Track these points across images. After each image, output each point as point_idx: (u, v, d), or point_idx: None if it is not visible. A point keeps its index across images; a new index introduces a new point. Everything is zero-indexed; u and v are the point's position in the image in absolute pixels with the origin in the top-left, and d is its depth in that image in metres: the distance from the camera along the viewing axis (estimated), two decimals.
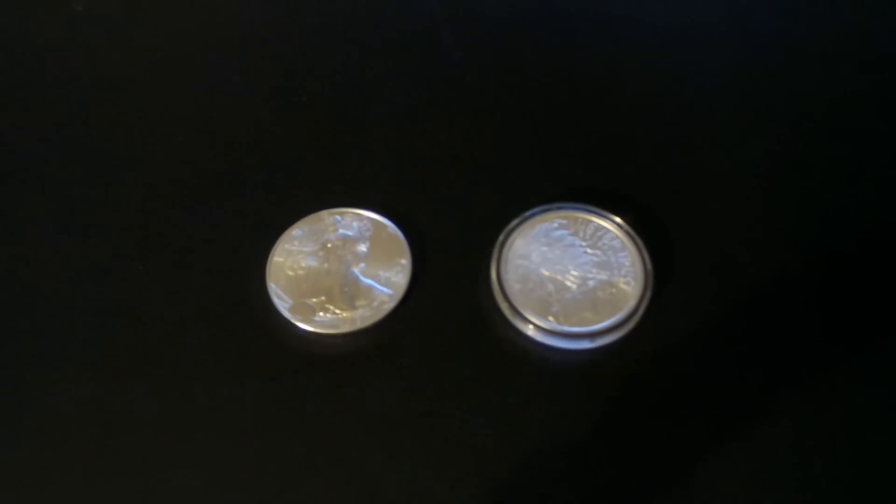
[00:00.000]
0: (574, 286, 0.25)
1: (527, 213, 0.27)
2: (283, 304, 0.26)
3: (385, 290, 0.26)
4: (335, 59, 0.32)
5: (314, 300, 0.26)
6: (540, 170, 0.29)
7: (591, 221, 0.26)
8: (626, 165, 0.29)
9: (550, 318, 0.25)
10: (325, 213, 0.27)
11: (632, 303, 0.25)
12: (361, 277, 0.26)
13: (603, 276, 0.25)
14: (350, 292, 0.26)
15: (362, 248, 0.27)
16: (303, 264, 0.26)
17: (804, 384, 0.24)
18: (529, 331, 0.25)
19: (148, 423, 0.24)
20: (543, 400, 0.24)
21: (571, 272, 0.26)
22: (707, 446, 0.23)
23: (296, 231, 0.27)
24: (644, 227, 0.26)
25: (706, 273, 0.26)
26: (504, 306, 0.25)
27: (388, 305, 0.26)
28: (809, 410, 0.24)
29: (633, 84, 0.31)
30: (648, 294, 0.25)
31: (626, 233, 0.26)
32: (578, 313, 0.25)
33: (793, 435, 0.23)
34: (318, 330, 0.25)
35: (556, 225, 0.26)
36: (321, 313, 0.25)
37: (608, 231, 0.26)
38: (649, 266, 0.25)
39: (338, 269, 0.26)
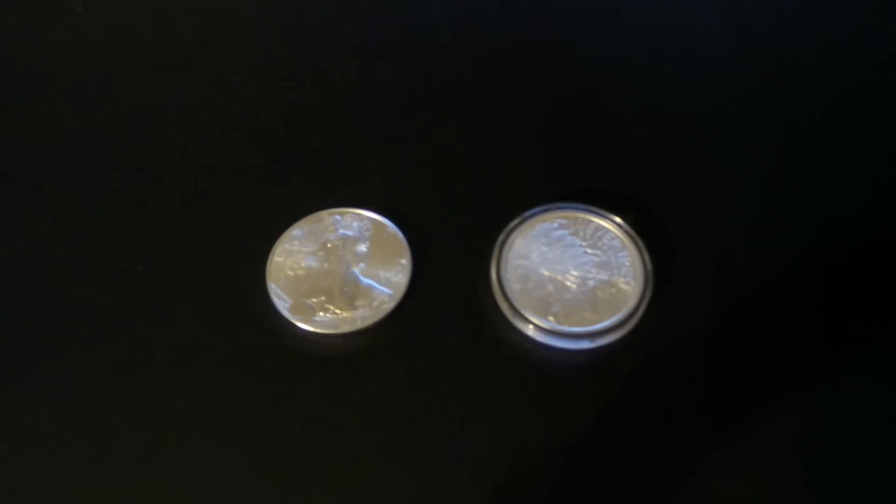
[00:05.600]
0: (574, 286, 0.25)
1: (527, 213, 0.27)
2: (283, 304, 0.26)
3: (385, 290, 0.26)
4: (335, 58, 0.32)
5: (314, 300, 0.26)
6: (540, 170, 0.29)
7: (591, 221, 0.26)
8: (625, 165, 0.29)
9: (550, 318, 0.25)
10: (325, 213, 0.27)
11: (632, 303, 0.25)
12: (361, 277, 0.26)
13: (603, 276, 0.25)
14: (350, 292, 0.26)
15: (362, 248, 0.27)
16: (303, 264, 0.26)
17: (804, 384, 0.24)
18: (529, 331, 0.25)
19: (148, 423, 0.24)
20: (543, 400, 0.24)
21: (571, 272, 0.26)
22: (707, 446, 0.23)
23: (296, 231, 0.27)
24: (644, 227, 0.26)
25: (706, 273, 0.26)
26: (504, 306, 0.25)
27: (388, 305, 0.26)
28: (810, 410, 0.24)
29: (633, 84, 0.31)
30: (648, 294, 0.25)
31: (626, 233, 0.26)
32: (578, 313, 0.25)
33: (793, 435, 0.23)
34: (318, 330, 0.25)
35: (556, 225, 0.26)
36: (321, 313, 0.25)
37: (608, 231, 0.26)
38: (649, 266, 0.25)
39: (338, 269, 0.26)
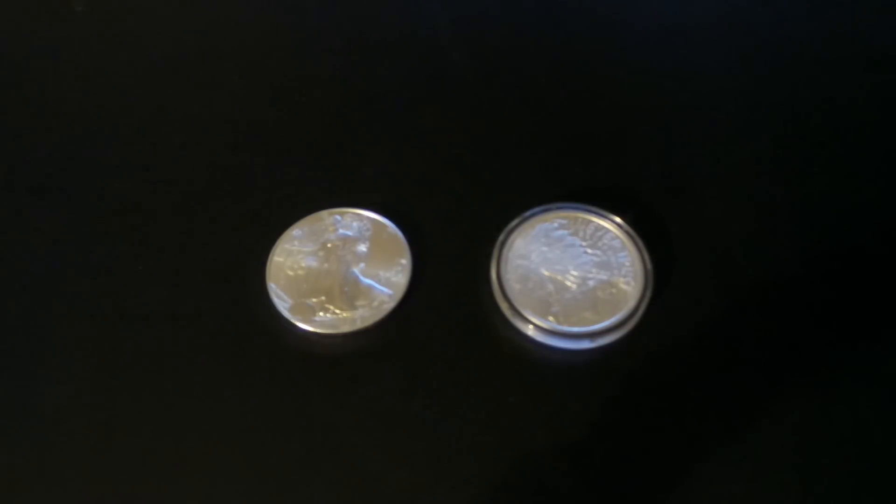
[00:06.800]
0: (574, 286, 0.25)
1: (527, 213, 0.27)
2: (283, 304, 0.26)
3: (385, 290, 0.26)
4: (335, 59, 0.32)
5: (314, 300, 0.26)
6: (540, 170, 0.29)
7: (591, 221, 0.26)
8: (625, 165, 0.29)
9: (550, 318, 0.25)
10: (325, 213, 0.27)
11: (632, 303, 0.25)
12: (361, 277, 0.26)
13: (603, 276, 0.25)
14: (350, 292, 0.26)
15: (362, 248, 0.27)
16: (303, 264, 0.26)
17: (804, 384, 0.24)
18: (529, 331, 0.25)
19: (148, 423, 0.24)
20: (543, 400, 0.24)
21: (571, 272, 0.26)
22: (707, 446, 0.23)
23: (296, 231, 0.27)
24: (644, 227, 0.26)
25: (706, 273, 0.26)
26: (504, 306, 0.25)
27: (388, 305, 0.26)
28: (810, 410, 0.24)
29: (633, 84, 0.31)
30: (648, 294, 0.25)
31: (626, 233, 0.26)
32: (578, 313, 0.25)
33: (793, 434, 0.23)
34: (318, 330, 0.25)
35: (556, 225, 0.26)
36: (321, 313, 0.25)
37: (608, 231, 0.26)
38: (649, 266, 0.25)
39: (338, 269, 0.26)
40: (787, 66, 0.31)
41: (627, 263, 0.26)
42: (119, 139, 0.30)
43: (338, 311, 0.25)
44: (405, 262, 0.26)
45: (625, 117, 0.30)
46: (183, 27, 0.34)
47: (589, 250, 0.26)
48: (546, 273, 0.26)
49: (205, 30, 0.34)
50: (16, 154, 0.30)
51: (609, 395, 0.24)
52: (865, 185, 0.28)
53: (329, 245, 0.27)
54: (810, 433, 0.23)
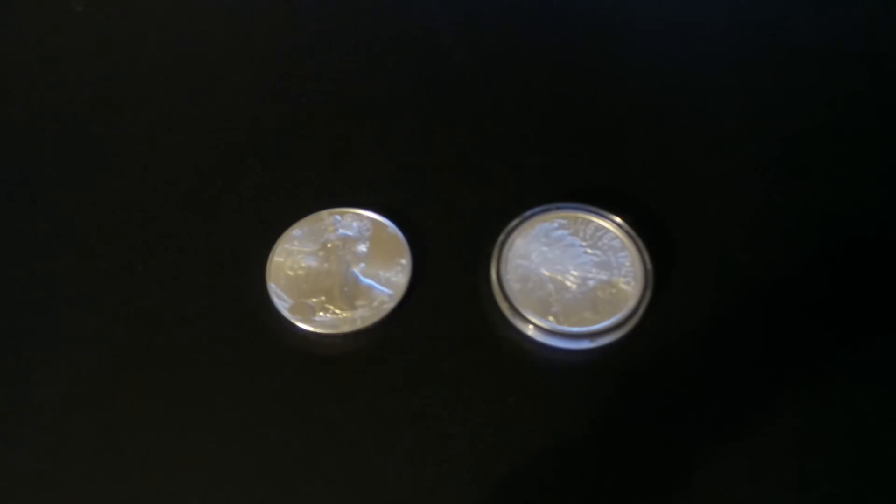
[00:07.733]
0: (574, 286, 0.25)
1: (527, 213, 0.27)
2: (283, 304, 0.26)
3: (385, 290, 0.26)
4: (335, 59, 0.32)
5: (314, 300, 0.26)
6: (540, 170, 0.29)
7: (591, 221, 0.26)
8: (626, 165, 0.29)
9: (550, 318, 0.25)
10: (325, 213, 0.27)
11: (632, 303, 0.25)
12: (361, 277, 0.26)
13: (603, 276, 0.25)
14: (350, 292, 0.26)
15: (362, 248, 0.27)
16: (303, 264, 0.26)
17: (804, 384, 0.24)
18: (529, 331, 0.25)
19: (148, 423, 0.24)
20: (543, 400, 0.24)
21: (571, 272, 0.26)
22: (707, 446, 0.23)
23: (296, 231, 0.27)
24: (644, 227, 0.26)
25: (706, 273, 0.26)
26: (504, 306, 0.25)
27: (388, 305, 0.26)
28: (810, 410, 0.24)
29: (633, 84, 0.31)
30: (648, 294, 0.25)
31: (626, 233, 0.26)
32: (578, 313, 0.25)
33: (793, 435, 0.23)
34: (318, 330, 0.25)
35: (556, 225, 0.26)
36: (321, 313, 0.25)
37: (608, 231, 0.26)
38: (649, 266, 0.25)
39: (338, 269, 0.26)
40: (788, 65, 0.31)
41: (627, 263, 0.26)
42: (118, 139, 0.30)
43: (338, 311, 0.26)
44: (405, 262, 0.26)
45: (625, 116, 0.30)
46: (183, 27, 0.34)
47: (589, 250, 0.26)
48: (546, 273, 0.26)
49: (205, 30, 0.34)
50: (15, 154, 0.30)
51: (609, 395, 0.24)
52: (866, 185, 0.28)
53: (329, 245, 0.27)
54: (810, 433, 0.23)
